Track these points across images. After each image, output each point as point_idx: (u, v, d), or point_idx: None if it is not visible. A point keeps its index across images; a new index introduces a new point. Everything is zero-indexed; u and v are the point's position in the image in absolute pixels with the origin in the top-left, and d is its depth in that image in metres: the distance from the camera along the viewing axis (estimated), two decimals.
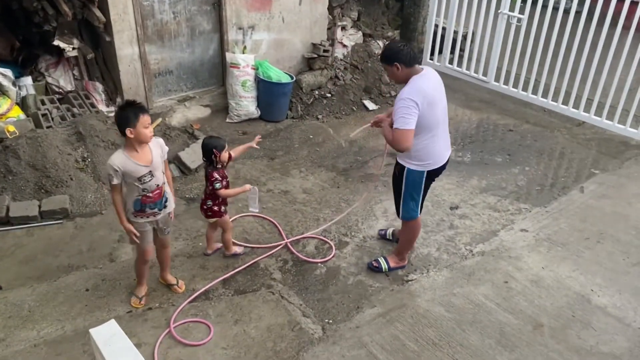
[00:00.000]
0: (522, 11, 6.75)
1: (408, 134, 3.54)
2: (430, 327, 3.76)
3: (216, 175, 3.89)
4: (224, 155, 3.90)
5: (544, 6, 6.53)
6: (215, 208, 4.05)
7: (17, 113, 5.33)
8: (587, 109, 6.55)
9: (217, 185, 3.89)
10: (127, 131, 3.25)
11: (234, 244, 4.39)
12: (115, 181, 3.34)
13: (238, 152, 4.18)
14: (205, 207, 4.06)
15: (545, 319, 3.84)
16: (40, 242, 4.43)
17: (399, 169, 3.90)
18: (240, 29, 6.48)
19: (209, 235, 4.30)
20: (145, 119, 3.29)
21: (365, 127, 4.29)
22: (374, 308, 3.92)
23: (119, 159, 3.33)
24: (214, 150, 3.85)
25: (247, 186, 4.03)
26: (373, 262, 4.30)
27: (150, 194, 3.47)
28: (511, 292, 4.08)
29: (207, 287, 4.01)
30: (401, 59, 3.58)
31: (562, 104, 6.74)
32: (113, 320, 2.02)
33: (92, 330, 1.96)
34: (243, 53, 6.46)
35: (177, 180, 5.29)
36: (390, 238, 4.60)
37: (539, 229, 4.81)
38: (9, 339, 3.54)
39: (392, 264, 4.27)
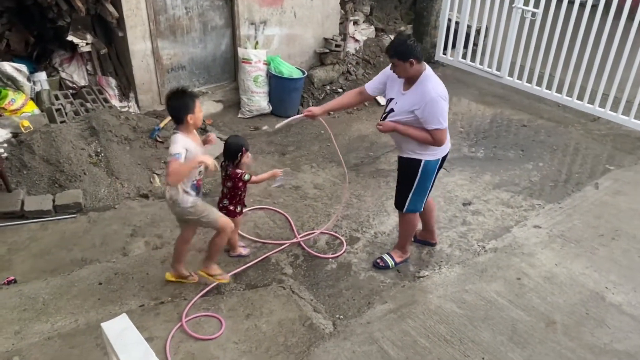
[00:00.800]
0: (537, 5, 6.66)
1: (445, 132, 3.67)
2: (442, 323, 3.74)
3: (239, 170, 3.85)
4: (248, 157, 3.88)
5: (559, 0, 6.44)
6: (231, 207, 4.02)
7: (32, 108, 5.38)
8: (602, 104, 6.45)
9: (246, 177, 3.83)
10: (188, 117, 3.31)
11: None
12: (181, 161, 3.30)
13: (260, 180, 4.01)
14: (220, 205, 4.01)
15: (558, 316, 3.81)
16: (54, 236, 4.48)
17: (413, 163, 3.84)
18: (252, 24, 6.48)
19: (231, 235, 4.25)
20: (199, 103, 3.42)
21: (293, 118, 4.25)
22: (385, 304, 3.92)
23: (184, 141, 3.35)
24: (243, 149, 3.80)
25: (277, 171, 4.00)
26: (378, 260, 4.28)
27: (201, 177, 3.59)
28: (524, 289, 4.05)
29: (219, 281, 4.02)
30: (416, 55, 3.53)
31: (577, 99, 6.65)
32: (124, 315, 2.04)
33: (103, 325, 1.98)
34: (255, 48, 6.47)
35: None
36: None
37: (552, 225, 4.76)
38: (24, 331, 3.58)
39: (397, 259, 4.27)
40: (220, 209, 4.02)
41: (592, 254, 4.42)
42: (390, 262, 4.25)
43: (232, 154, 3.85)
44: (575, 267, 4.28)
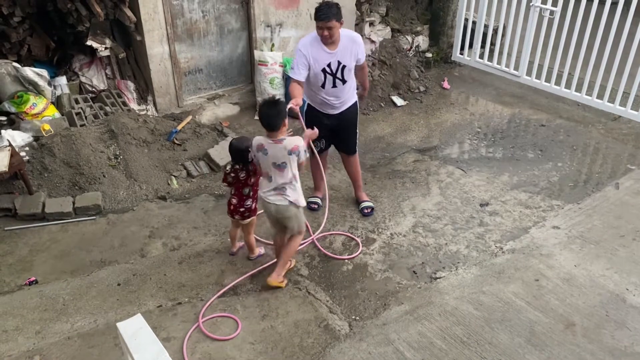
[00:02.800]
0: (555, 3, 6.58)
1: None
2: (459, 325, 3.72)
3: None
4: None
5: None
6: (254, 206, 4.05)
7: (52, 112, 5.48)
8: (623, 103, 6.34)
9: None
10: (285, 122, 3.58)
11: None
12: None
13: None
14: (243, 209, 4.01)
15: (577, 318, 3.76)
16: (74, 238, 4.56)
17: (354, 107, 4.57)
18: (268, 26, 6.51)
19: (233, 234, 4.31)
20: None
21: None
22: (401, 305, 3.90)
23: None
24: (249, 148, 3.82)
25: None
26: (367, 210, 4.86)
27: None
28: (542, 291, 4.00)
29: (235, 282, 4.06)
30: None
31: (597, 98, 6.55)
32: (139, 315, 2.07)
33: (119, 324, 2.01)
34: (271, 50, 6.49)
35: (206, 177, 5.36)
36: None
37: (571, 226, 4.69)
38: (44, 331, 3.65)
39: (367, 198, 4.98)
40: (243, 213, 4.04)
41: (612, 255, 4.35)
42: (371, 203, 4.89)
43: (242, 155, 3.88)
44: (595, 268, 4.21)
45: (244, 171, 3.94)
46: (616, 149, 5.90)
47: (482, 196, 5.13)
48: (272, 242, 4.29)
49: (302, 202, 3.82)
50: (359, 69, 4.50)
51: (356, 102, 4.60)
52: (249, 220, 4.09)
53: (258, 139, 3.68)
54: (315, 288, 4.06)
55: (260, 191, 3.88)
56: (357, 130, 4.74)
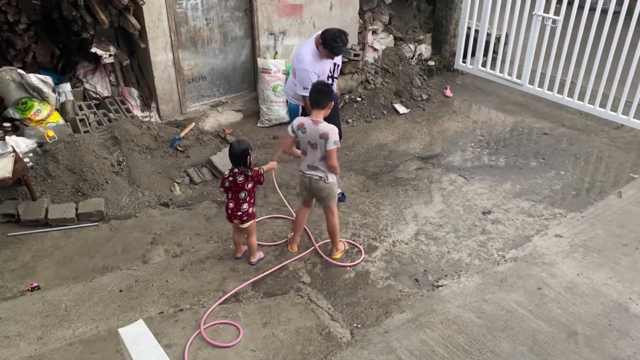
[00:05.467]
0: (557, 12, 6.60)
1: None
2: (461, 333, 3.71)
3: (256, 168, 4.09)
4: (252, 154, 4.07)
5: (580, 7, 6.36)
6: (251, 210, 4.12)
7: (57, 118, 5.51)
8: (625, 112, 6.34)
9: (262, 170, 4.12)
10: (330, 103, 3.98)
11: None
12: None
13: (268, 170, 4.36)
14: (240, 212, 4.07)
15: (580, 327, 3.74)
16: (77, 244, 4.57)
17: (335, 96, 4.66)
18: (271, 34, 6.55)
19: (236, 239, 4.34)
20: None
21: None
22: (403, 313, 3.89)
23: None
24: (249, 150, 3.97)
25: (273, 163, 4.50)
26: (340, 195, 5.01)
27: None
28: (544, 299, 3.99)
29: (237, 289, 4.06)
30: None
31: (599, 106, 6.55)
32: (141, 320, 2.07)
33: (120, 330, 2.02)
34: (274, 58, 6.52)
35: (208, 184, 5.37)
36: None
37: (574, 234, 4.69)
38: (46, 337, 3.65)
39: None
40: (241, 217, 4.08)
41: (615, 263, 4.34)
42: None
43: (241, 158, 3.97)
44: (598, 277, 4.20)
45: (242, 175, 4.00)
46: (619, 158, 5.90)
47: (485, 204, 5.13)
48: (274, 244, 4.57)
49: (332, 179, 4.15)
50: None
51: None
52: (248, 224, 4.13)
53: (300, 118, 4.09)
54: (317, 295, 4.05)
55: (299, 167, 4.25)
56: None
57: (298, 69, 4.58)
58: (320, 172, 4.11)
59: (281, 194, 5.02)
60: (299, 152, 4.20)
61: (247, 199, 4.06)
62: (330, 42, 4.39)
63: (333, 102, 4.08)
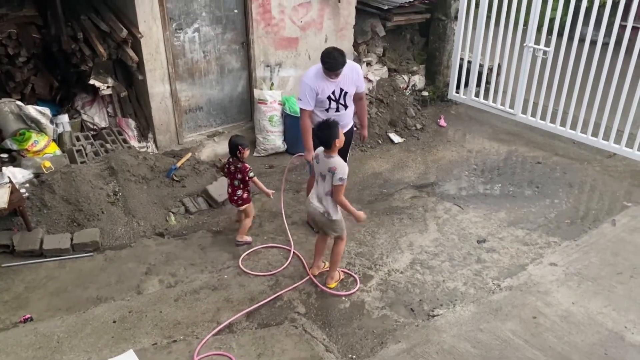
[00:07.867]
0: (547, 44, 6.73)
1: None
2: None
3: (248, 166, 4.68)
4: (246, 152, 4.64)
5: (570, 38, 6.50)
6: (245, 195, 4.80)
7: (54, 149, 5.55)
8: (617, 141, 6.42)
9: (252, 174, 4.69)
10: (336, 142, 4.01)
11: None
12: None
13: (258, 185, 4.83)
14: (235, 197, 4.78)
15: (576, 357, 3.72)
16: (71, 274, 4.55)
17: (351, 130, 4.95)
18: (267, 66, 6.65)
19: (238, 218, 5.06)
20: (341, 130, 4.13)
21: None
22: (398, 343, 3.87)
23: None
24: (239, 147, 4.59)
25: (269, 192, 4.85)
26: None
27: None
28: (540, 328, 3.97)
29: (231, 319, 4.03)
30: None
31: (592, 135, 6.63)
32: (131, 351, 2.06)
33: None
34: (270, 89, 6.62)
35: (204, 214, 5.39)
36: None
37: (568, 263, 4.69)
38: None
39: None
40: (237, 201, 4.80)
41: (610, 292, 4.33)
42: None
43: (233, 150, 4.64)
44: (593, 305, 4.19)
45: (233, 165, 4.70)
46: (612, 186, 5.94)
47: (479, 233, 5.14)
48: (287, 247, 4.91)
49: (336, 216, 4.19)
50: (357, 99, 4.91)
51: (353, 126, 5.03)
52: (243, 207, 4.85)
53: (319, 149, 4.18)
54: (312, 326, 4.03)
55: (309, 196, 4.39)
56: (348, 155, 5.08)
57: (300, 82, 4.75)
58: (324, 207, 4.17)
59: (286, 223, 5.15)
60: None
61: (241, 186, 4.74)
62: (324, 57, 4.47)
63: (344, 136, 4.16)
